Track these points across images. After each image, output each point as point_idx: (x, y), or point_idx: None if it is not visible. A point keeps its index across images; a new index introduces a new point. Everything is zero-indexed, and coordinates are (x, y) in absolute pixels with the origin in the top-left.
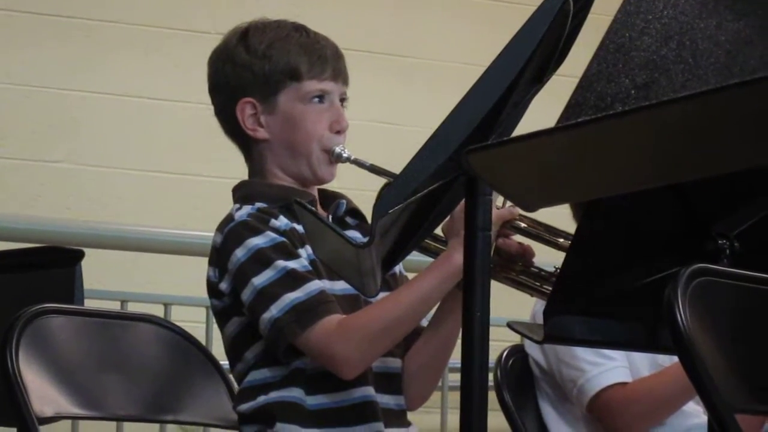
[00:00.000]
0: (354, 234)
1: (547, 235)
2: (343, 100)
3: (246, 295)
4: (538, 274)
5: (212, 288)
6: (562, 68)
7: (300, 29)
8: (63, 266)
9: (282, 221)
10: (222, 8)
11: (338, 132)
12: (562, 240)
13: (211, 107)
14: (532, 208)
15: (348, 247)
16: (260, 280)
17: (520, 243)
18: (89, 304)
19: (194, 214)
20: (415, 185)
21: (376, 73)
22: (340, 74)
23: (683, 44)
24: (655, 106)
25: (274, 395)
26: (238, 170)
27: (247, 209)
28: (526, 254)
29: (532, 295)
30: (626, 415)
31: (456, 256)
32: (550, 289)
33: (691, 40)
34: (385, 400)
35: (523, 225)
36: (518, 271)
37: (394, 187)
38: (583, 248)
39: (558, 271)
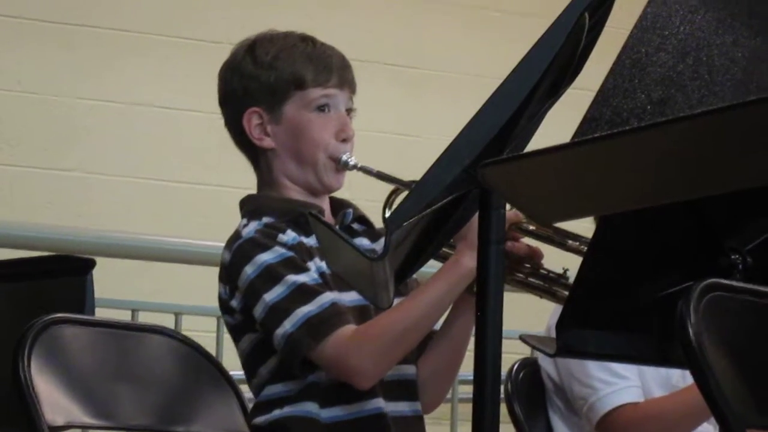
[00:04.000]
0: (361, 241)
1: (555, 237)
2: (349, 110)
3: (258, 311)
4: (547, 276)
5: (224, 305)
6: (577, 81)
7: (306, 40)
8: (74, 275)
9: (289, 235)
10: (234, 18)
11: (344, 140)
12: (570, 242)
13: (222, 117)
14: (547, 223)
15: (362, 259)
16: (271, 296)
17: (528, 245)
18: (100, 312)
19: (204, 224)
20: (429, 198)
21: (387, 84)
22: (345, 82)
23: (699, 60)
24: (671, 122)
25: (288, 410)
26: (249, 180)
27: (254, 225)
28: (535, 256)
29: (541, 297)
30: None
31: (464, 260)
32: (559, 290)
33: (708, 57)
34: (401, 407)
35: (531, 227)
36: (527, 273)
37: (409, 200)
38: (596, 262)
39: (566, 272)
